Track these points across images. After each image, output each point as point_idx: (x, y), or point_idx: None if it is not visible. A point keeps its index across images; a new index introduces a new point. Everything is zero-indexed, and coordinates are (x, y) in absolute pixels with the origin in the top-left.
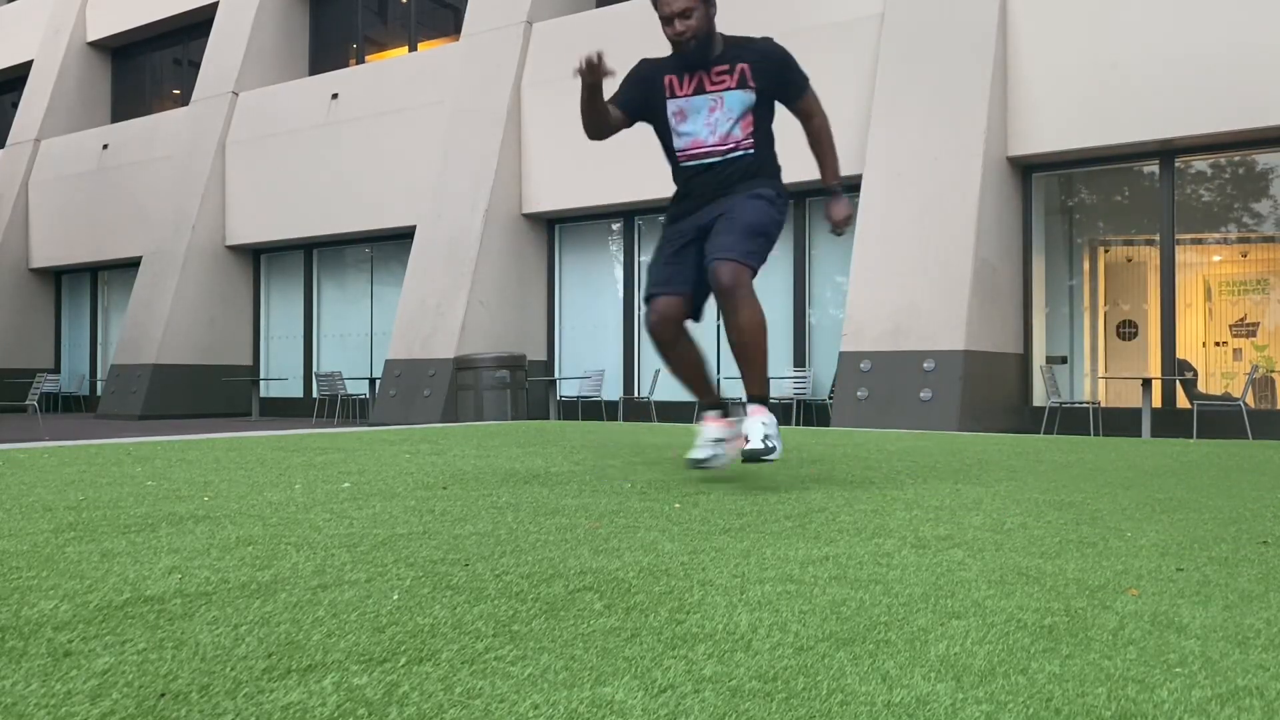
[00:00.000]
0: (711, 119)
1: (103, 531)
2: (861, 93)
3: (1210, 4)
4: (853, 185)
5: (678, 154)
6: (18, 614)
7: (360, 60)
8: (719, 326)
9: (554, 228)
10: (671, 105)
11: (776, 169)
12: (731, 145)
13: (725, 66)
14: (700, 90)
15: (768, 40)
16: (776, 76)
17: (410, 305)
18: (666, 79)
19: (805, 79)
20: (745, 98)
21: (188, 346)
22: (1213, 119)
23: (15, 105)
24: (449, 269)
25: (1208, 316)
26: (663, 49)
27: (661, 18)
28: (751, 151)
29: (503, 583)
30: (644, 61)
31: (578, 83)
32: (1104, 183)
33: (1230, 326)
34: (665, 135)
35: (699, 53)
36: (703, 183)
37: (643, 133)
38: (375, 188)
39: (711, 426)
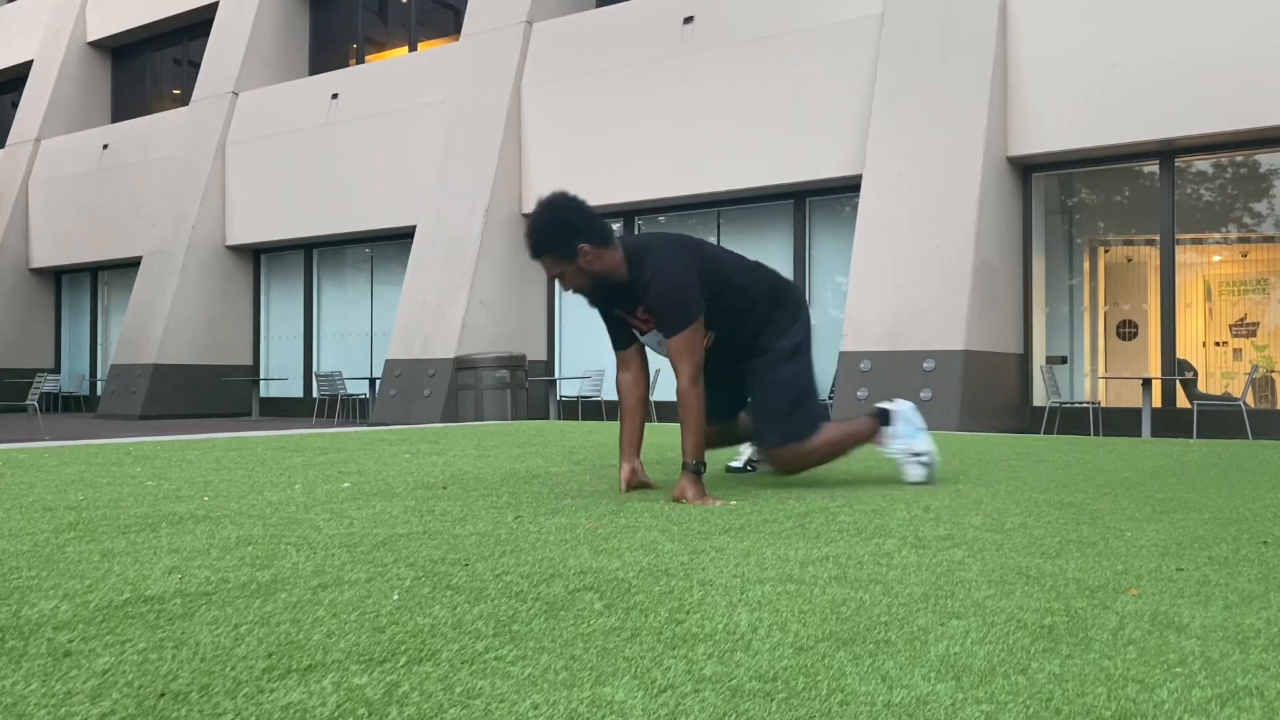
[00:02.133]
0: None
1: (103, 531)
2: (861, 93)
3: (1210, 4)
4: (853, 185)
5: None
6: (18, 614)
7: (360, 60)
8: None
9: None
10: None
11: (769, 315)
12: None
13: (641, 306)
14: (641, 328)
15: (655, 268)
16: (659, 320)
17: (410, 305)
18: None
19: (676, 325)
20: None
21: (188, 346)
22: (1213, 119)
23: (15, 105)
24: (449, 269)
25: (1208, 316)
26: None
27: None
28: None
29: (503, 583)
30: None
31: (577, 83)
32: (1104, 183)
33: (1230, 326)
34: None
35: (604, 296)
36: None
37: (642, 134)
38: (375, 188)
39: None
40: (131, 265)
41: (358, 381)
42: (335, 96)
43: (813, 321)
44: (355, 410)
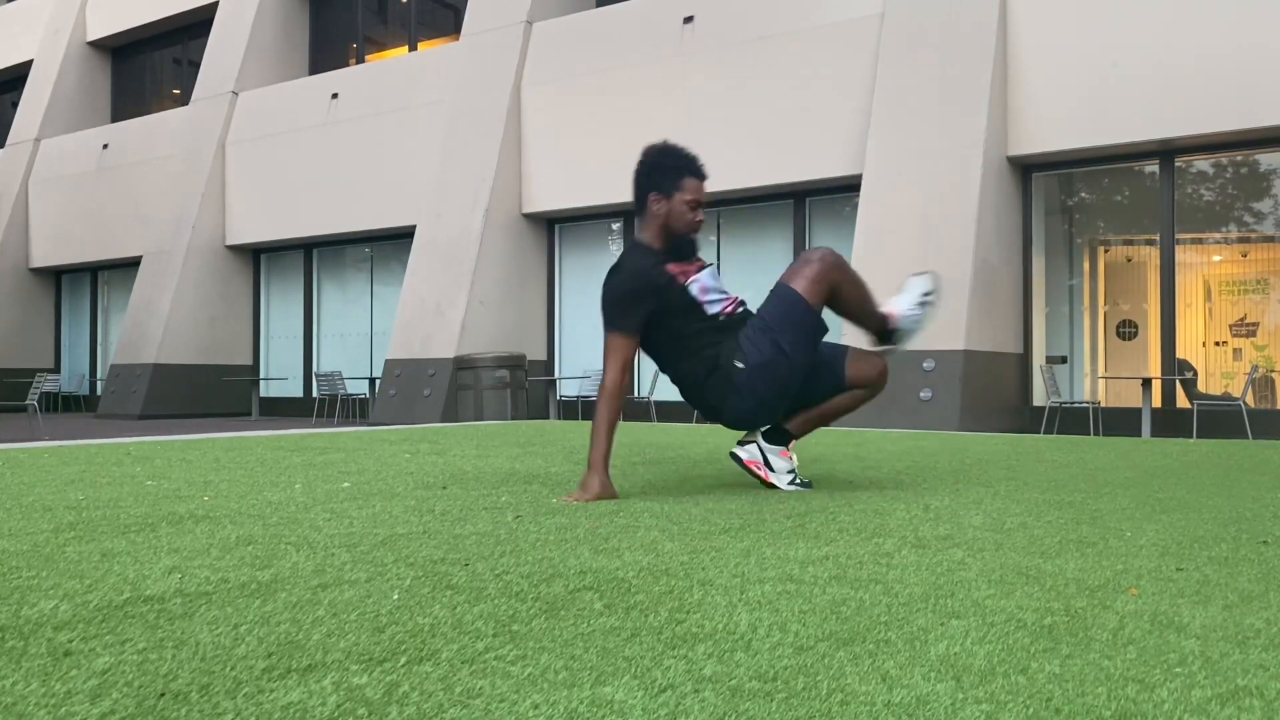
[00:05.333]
0: (719, 285)
1: (103, 531)
2: (861, 93)
3: (1210, 4)
4: (853, 185)
5: (719, 316)
6: (18, 614)
7: (360, 60)
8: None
9: (554, 228)
10: (694, 288)
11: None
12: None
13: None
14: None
15: None
16: None
17: (410, 305)
18: (667, 270)
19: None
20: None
21: (188, 346)
22: (1213, 119)
23: (15, 105)
24: (449, 269)
25: (1208, 316)
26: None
27: (695, 204)
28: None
29: (503, 582)
30: (638, 276)
31: (577, 83)
32: (1104, 183)
33: (1230, 326)
34: (685, 311)
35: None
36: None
37: (642, 134)
38: (375, 188)
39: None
40: (131, 265)
41: (358, 381)
42: (335, 96)
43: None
44: (355, 410)
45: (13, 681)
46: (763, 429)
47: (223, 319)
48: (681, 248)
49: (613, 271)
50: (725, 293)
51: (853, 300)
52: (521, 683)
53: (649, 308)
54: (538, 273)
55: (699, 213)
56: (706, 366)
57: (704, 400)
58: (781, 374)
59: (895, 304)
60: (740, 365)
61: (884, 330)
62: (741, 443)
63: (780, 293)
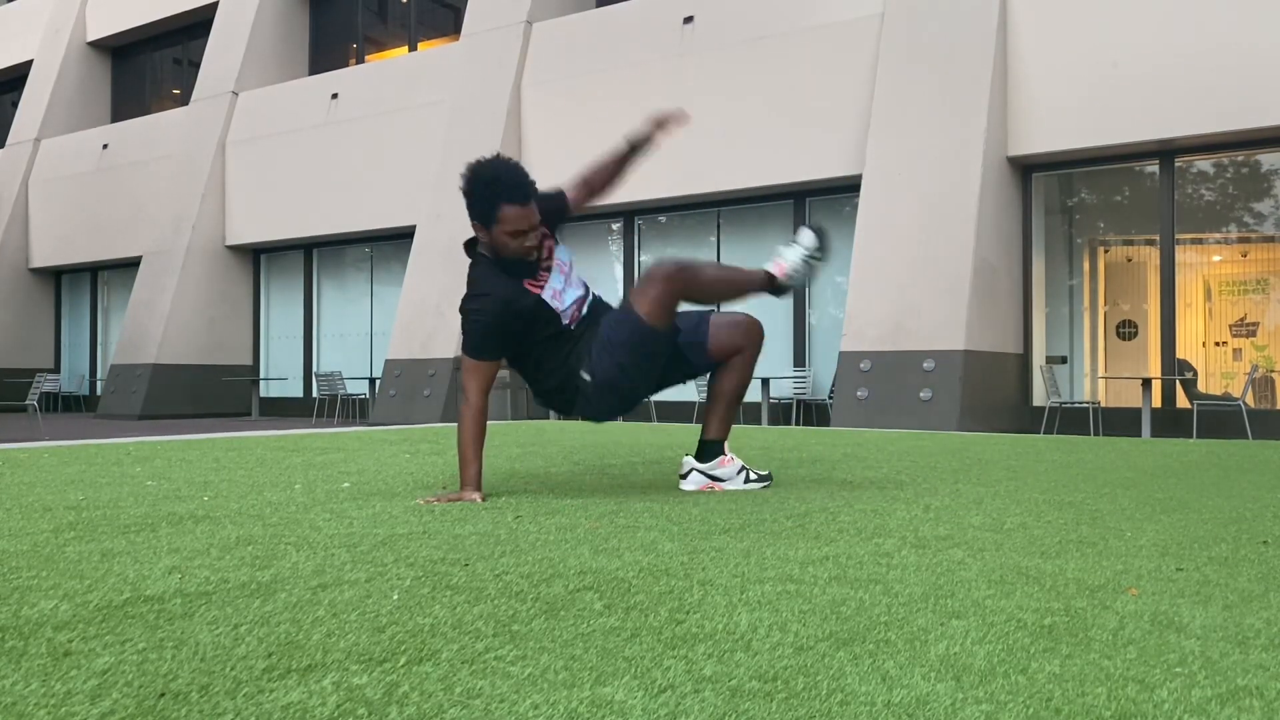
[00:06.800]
0: (569, 278)
1: (103, 531)
2: (861, 93)
3: (1210, 4)
4: (853, 185)
5: (570, 326)
6: (18, 614)
7: (360, 60)
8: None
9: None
10: (548, 296)
11: None
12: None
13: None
14: (547, 269)
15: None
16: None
17: (410, 305)
18: (528, 291)
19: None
20: (562, 250)
21: (188, 346)
22: (1213, 119)
23: (15, 105)
24: (449, 269)
25: (1208, 316)
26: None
27: (518, 232)
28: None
29: (503, 582)
30: (508, 308)
31: (577, 83)
32: (1104, 183)
33: (1230, 326)
34: (546, 324)
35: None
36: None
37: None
38: (375, 188)
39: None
40: (131, 265)
41: (358, 381)
42: (335, 96)
43: (811, 321)
44: (355, 410)
45: (13, 681)
46: (695, 453)
47: (223, 319)
48: (520, 267)
49: (474, 297)
50: (570, 285)
51: (712, 294)
52: (521, 683)
53: (514, 331)
54: None
55: (527, 237)
56: (561, 374)
57: (560, 398)
58: (624, 388)
59: (783, 256)
60: (586, 377)
61: (767, 288)
62: (683, 476)
63: (624, 316)
